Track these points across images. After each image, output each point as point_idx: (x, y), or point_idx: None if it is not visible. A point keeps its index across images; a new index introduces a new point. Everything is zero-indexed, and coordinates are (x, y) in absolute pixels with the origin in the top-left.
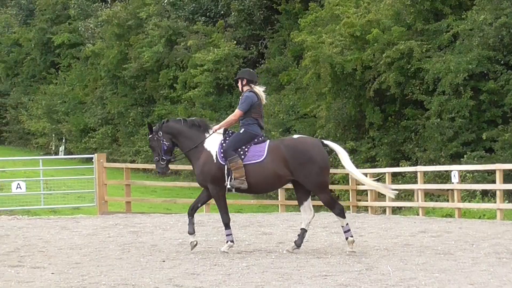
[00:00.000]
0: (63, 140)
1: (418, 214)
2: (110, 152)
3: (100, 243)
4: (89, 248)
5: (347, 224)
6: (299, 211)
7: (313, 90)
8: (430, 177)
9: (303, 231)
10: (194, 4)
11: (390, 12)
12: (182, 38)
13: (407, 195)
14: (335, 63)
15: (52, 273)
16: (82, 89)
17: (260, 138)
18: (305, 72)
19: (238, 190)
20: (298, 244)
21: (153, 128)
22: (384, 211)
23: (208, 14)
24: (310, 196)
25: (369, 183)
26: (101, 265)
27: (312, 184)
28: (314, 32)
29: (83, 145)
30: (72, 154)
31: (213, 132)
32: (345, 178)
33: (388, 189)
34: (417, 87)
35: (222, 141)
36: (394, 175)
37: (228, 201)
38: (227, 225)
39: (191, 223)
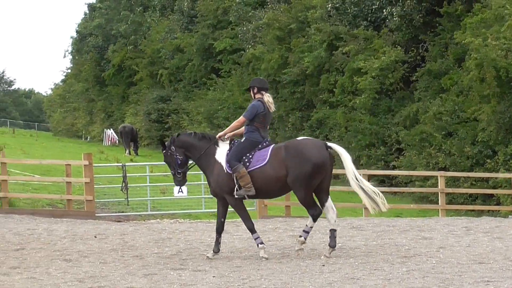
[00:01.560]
0: None
1: None
2: None
3: None
4: (249, 251)
5: (311, 227)
6: (459, 215)
7: (475, 93)
8: None
9: (332, 231)
10: (356, 9)
11: None
12: (342, 42)
13: None
14: (499, 67)
15: (214, 276)
16: (242, 94)
17: (264, 144)
18: (467, 74)
19: (250, 196)
20: (332, 245)
21: (166, 143)
22: None
23: (369, 18)
24: (329, 196)
25: (364, 190)
26: (262, 268)
27: (297, 180)
28: (478, 34)
29: None
30: None
31: (218, 138)
32: (508, 182)
33: (380, 204)
34: None
35: (228, 151)
36: None
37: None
38: (252, 230)
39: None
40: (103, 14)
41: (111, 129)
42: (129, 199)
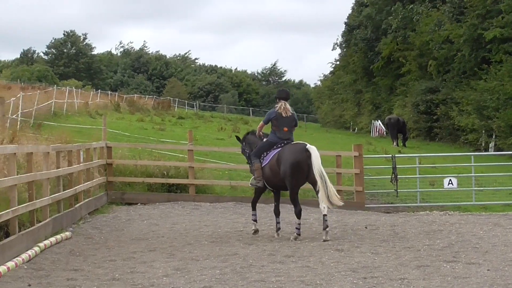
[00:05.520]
0: (493, 136)
1: None
2: None
3: None
4: None
5: (299, 223)
6: None
7: None
8: None
9: (324, 216)
10: None
11: None
12: None
13: None
14: None
15: (488, 270)
16: None
17: (280, 145)
18: None
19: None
20: (324, 227)
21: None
22: None
23: None
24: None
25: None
26: None
27: (286, 180)
28: None
29: (511, 141)
30: (501, 150)
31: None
32: None
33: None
34: None
35: None
36: None
37: None
38: (252, 208)
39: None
40: (374, 6)
41: (379, 121)
42: (398, 190)
